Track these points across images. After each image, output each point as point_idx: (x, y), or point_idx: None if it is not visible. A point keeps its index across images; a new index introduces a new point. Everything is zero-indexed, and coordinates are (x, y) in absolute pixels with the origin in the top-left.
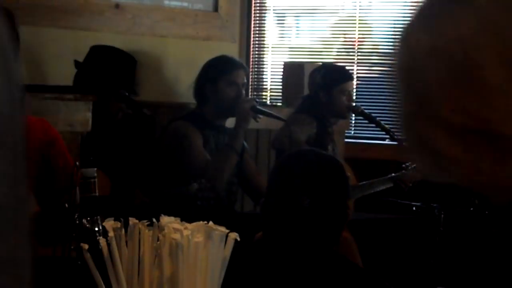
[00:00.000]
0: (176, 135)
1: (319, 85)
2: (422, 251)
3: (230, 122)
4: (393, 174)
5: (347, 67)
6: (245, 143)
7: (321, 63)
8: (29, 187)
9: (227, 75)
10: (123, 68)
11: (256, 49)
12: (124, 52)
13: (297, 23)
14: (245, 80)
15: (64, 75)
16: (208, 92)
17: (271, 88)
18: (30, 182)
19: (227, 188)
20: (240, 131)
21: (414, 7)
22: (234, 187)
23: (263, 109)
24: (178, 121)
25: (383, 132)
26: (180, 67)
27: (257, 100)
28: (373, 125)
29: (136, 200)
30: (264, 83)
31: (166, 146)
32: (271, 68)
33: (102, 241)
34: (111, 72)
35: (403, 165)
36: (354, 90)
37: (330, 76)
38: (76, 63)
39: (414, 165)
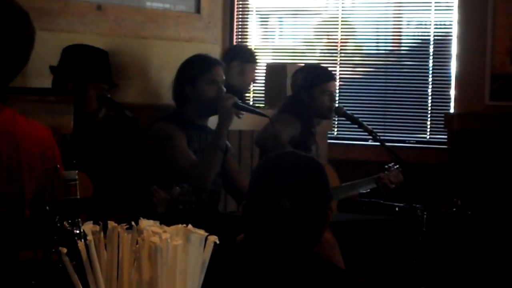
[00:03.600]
0: (159, 136)
1: (300, 86)
2: (405, 251)
3: (212, 123)
4: (375, 176)
5: (330, 68)
6: (227, 143)
7: (303, 64)
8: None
9: (205, 73)
10: (96, 62)
11: None
12: (94, 48)
13: (280, 24)
14: (224, 77)
15: (46, 77)
16: (188, 93)
17: (254, 89)
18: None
19: (211, 187)
20: (224, 129)
21: (396, 8)
22: (217, 186)
23: (245, 105)
24: (160, 121)
25: (366, 133)
26: (163, 69)
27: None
28: (356, 126)
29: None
30: None
31: (149, 148)
32: None
33: (80, 244)
34: (85, 67)
35: (386, 166)
36: (337, 91)
37: (312, 77)
38: (51, 68)
39: (397, 166)
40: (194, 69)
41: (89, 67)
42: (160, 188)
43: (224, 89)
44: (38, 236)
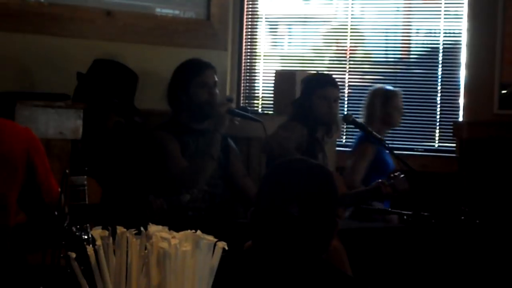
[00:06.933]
0: (152, 145)
1: (301, 92)
2: (412, 260)
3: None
4: (376, 182)
5: (338, 75)
6: (233, 144)
7: (312, 72)
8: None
9: (196, 77)
10: (126, 85)
11: (248, 57)
12: (127, 68)
13: (289, 32)
14: (216, 79)
15: (55, 82)
16: (181, 97)
17: (262, 96)
18: (16, 189)
19: (211, 190)
20: (217, 135)
21: (406, 16)
22: (218, 189)
23: (239, 111)
24: (154, 131)
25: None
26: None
27: (245, 105)
28: (365, 134)
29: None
30: (256, 91)
31: (145, 157)
32: (263, 76)
33: (89, 249)
34: (114, 88)
35: (391, 175)
36: (346, 99)
37: (311, 83)
38: (79, 75)
39: (403, 175)
40: (186, 73)
41: (120, 89)
42: (167, 195)
43: (217, 93)
44: (42, 238)
